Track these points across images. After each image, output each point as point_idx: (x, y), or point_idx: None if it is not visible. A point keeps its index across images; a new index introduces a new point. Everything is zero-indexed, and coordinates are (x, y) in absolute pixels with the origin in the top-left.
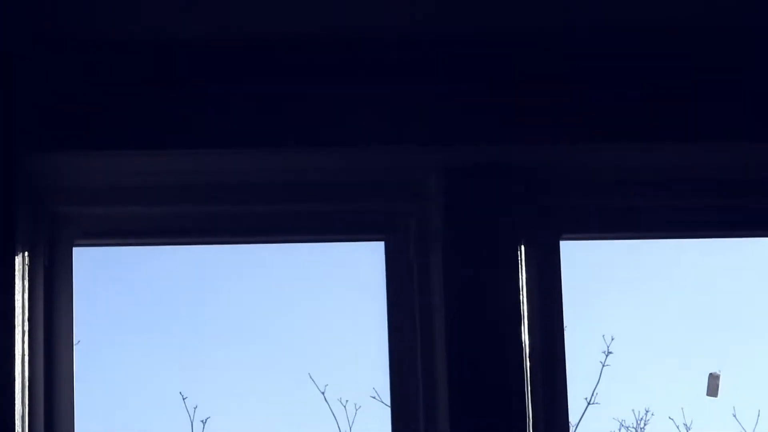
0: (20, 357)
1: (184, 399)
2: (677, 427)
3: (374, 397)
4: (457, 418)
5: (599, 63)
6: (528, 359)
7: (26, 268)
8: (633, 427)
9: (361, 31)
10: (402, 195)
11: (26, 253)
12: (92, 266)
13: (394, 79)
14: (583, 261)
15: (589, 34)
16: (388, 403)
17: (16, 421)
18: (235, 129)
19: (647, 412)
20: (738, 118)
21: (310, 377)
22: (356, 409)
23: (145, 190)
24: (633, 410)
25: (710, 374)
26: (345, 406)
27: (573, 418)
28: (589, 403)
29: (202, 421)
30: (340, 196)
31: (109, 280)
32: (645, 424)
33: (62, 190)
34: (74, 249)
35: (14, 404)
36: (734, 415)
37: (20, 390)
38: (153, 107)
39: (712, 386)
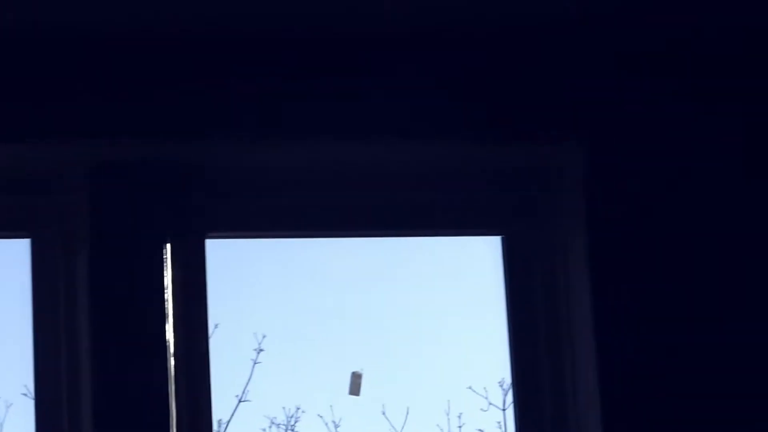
0: None
1: None
2: (326, 425)
3: (26, 395)
4: (100, 416)
5: (238, 60)
6: (173, 358)
7: None
8: (284, 425)
9: None
10: (47, 190)
11: None
12: None
13: (34, 73)
14: (236, 260)
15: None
16: None
17: None
18: None
19: (298, 409)
20: (379, 117)
21: None
22: (7, 407)
23: None
24: (284, 408)
25: (352, 373)
26: None
27: (224, 415)
28: (240, 401)
29: None
30: None
31: None
32: (296, 422)
33: None
34: None
35: None
36: (383, 413)
37: None
38: None
39: (355, 385)
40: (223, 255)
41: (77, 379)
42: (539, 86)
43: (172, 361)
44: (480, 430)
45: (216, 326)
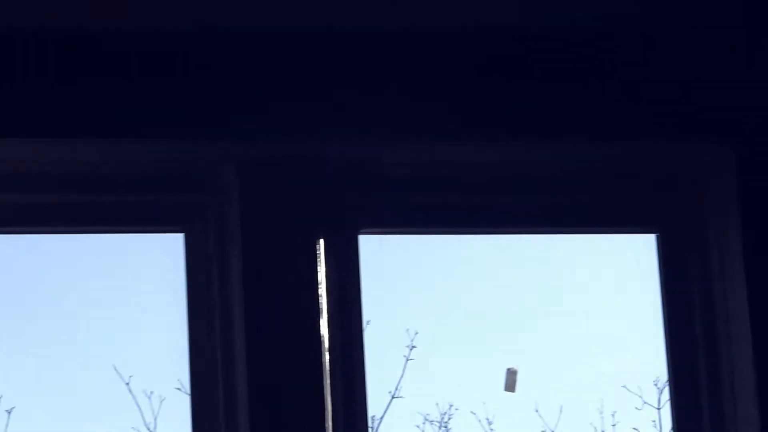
0: None
1: None
2: (479, 422)
3: (179, 389)
4: (256, 410)
5: (392, 57)
6: (327, 353)
7: None
8: (437, 421)
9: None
10: (200, 187)
11: None
12: None
13: (184, 74)
14: (386, 255)
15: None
16: None
17: None
18: (23, 119)
19: (451, 406)
20: (533, 118)
21: (115, 369)
22: (161, 401)
23: None
24: (437, 404)
25: (508, 369)
26: (150, 398)
27: (377, 411)
28: (393, 397)
29: (7, 410)
30: (138, 189)
31: None
32: (449, 419)
33: None
34: None
35: None
36: (537, 410)
37: None
38: None
39: (510, 381)
40: (375, 251)
41: (233, 375)
42: (695, 89)
43: (327, 357)
44: (635, 429)
45: (368, 323)
